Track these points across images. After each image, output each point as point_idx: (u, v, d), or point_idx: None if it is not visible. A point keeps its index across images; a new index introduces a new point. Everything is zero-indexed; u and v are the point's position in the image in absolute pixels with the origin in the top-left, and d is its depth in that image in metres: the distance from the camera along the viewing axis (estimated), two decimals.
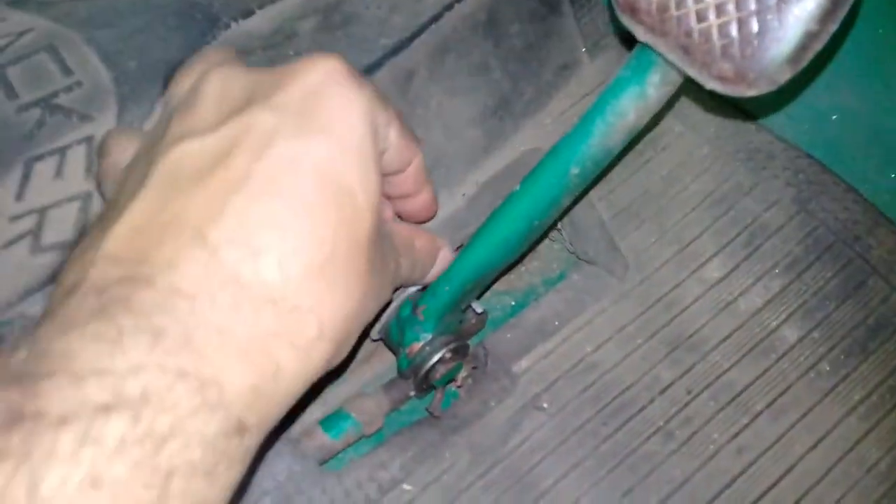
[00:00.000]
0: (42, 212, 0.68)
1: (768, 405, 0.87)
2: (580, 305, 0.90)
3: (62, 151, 0.70)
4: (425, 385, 0.80)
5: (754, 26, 0.47)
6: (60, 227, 0.68)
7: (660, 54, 0.53)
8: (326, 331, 0.43)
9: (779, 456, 0.85)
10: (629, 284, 0.91)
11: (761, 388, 0.88)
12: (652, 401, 0.86)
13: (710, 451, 0.84)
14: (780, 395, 0.88)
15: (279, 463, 0.75)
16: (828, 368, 0.90)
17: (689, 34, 0.50)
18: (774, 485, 0.84)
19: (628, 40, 1.01)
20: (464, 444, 0.82)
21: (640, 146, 0.97)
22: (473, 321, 0.88)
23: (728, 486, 0.83)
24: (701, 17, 0.49)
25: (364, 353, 0.88)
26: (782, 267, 0.94)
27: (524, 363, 0.87)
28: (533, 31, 0.95)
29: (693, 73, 0.51)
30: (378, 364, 0.88)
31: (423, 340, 0.77)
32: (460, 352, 0.79)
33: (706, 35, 0.49)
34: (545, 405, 0.85)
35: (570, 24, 0.98)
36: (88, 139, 0.71)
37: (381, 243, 0.51)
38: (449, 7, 0.89)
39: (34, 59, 0.74)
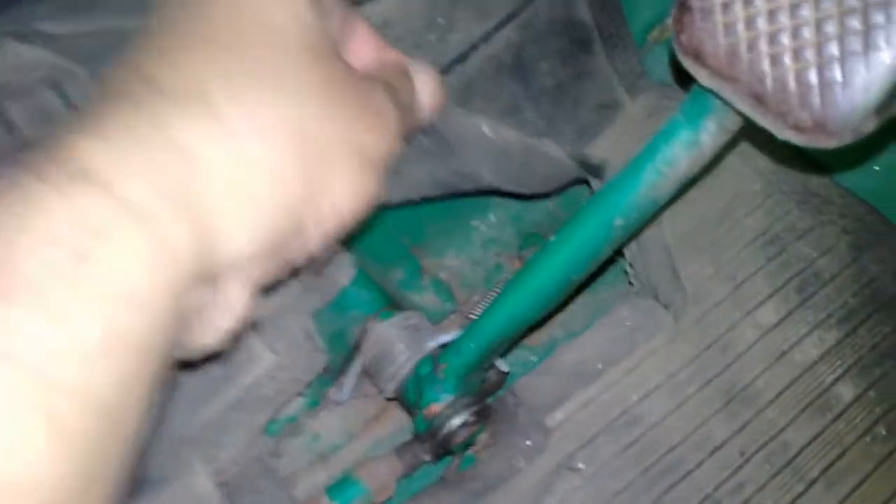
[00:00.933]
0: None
1: (823, 471, 0.78)
2: (629, 344, 0.79)
3: None
4: (443, 450, 0.68)
5: (837, 73, 0.41)
6: None
7: (719, 99, 0.46)
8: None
9: None
10: (685, 322, 0.80)
11: (816, 452, 0.79)
12: (701, 463, 0.76)
13: None
14: (836, 460, 0.79)
15: None
16: (884, 433, 0.81)
17: (761, 80, 0.43)
18: None
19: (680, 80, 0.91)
20: None
21: None
22: (494, 380, 0.76)
23: None
24: (776, 63, 0.43)
25: (374, 410, 0.76)
26: (837, 318, 0.85)
27: (559, 415, 0.75)
28: (563, 71, 0.85)
29: (765, 123, 0.44)
30: (389, 423, 0.77)
31: (443, 402, 0.67)
32: (483, 414, 0.68)
33: (781, 82, 0.43)
34: (581, 465, 0.74)
35: (602, 63, 0.88)
36: None
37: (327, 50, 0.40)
38: (475, 47, 0.79)
39: (38, 96, 0.64)
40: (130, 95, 0.32)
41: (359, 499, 0.67)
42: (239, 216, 0.33)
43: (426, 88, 0.49)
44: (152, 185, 0.30)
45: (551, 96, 0.85)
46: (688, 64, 0.46)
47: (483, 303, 0.84)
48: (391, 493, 0.70)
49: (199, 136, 0.32)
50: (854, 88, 0.41)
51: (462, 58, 0.79)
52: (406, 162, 0.73)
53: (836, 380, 0.82)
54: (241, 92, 0.33)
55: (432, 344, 0.69)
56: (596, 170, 0.80)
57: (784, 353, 0.82)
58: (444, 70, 0.77)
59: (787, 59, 0.42)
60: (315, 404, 0.78)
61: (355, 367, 0.73)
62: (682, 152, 0.51)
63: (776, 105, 0.43)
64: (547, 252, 0.61)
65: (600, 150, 0.86)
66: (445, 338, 0.71)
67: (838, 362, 0.83)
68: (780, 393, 0.80)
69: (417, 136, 0.73)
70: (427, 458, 0.71)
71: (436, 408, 0.66)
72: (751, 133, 0.48)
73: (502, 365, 0.71)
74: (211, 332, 0.35)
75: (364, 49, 0.49)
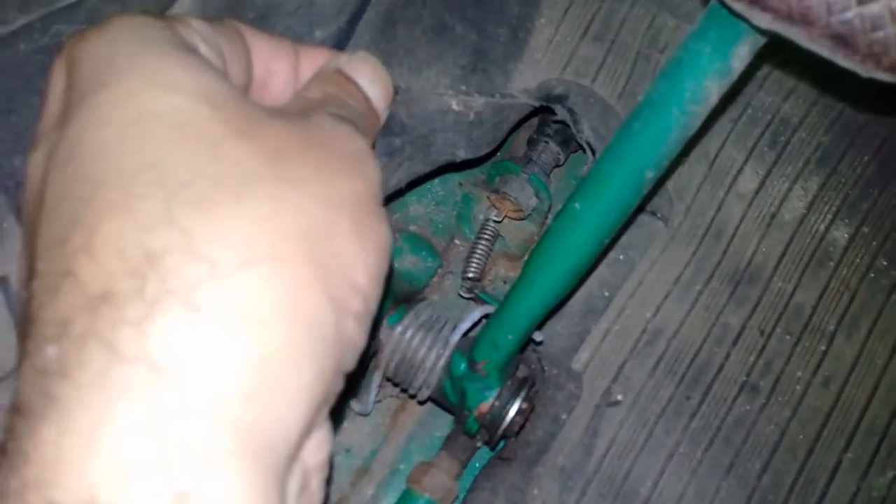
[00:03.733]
0: None
1: (839, 322, 0.79)
2: (628, 264, 0.77)
3: None
4: (500, 439, 0.66)
5: None
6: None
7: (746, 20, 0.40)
8: None
9: (863, 376, 0.78)
10: (675, 221, 0.78)
11: (828, 305, 0.80)
12: (728, 355, 0.76)
13: (799, 393, 0.77)
14: (848, 306, 0.80)
15: None
16: (885, 263, 0.82)
17: (846, 22, 0.37)
18: (867, 408, 0.78)
19: None
20: (548, 474, 0.70)
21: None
22: (532, 357, 0.74)
23: (824, 424, 0.76)
24: (864, 0, 0.37)
25: (392, 409, 0.73)
26: (815, 162, 0.83)
27: (583, 356, 0.74)
28: None
29: (849, 64, 0.39)
30: (416, 412, 0.74)
31: (492, 398, 0.63)
32: (531, 392, 0.65)
33: (875, 21, 0.37)
34: (619, 397, 0.74)
35: None
36: (1, 282, 0.49)
37: None
38: None
39: None
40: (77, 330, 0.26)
41: None
42: (276, 407, 0.27)
43: (373, 84, 0.42)
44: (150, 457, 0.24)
45: (473, 0, 0.77)
46: (742, 7, 0.40)
47: (475, 256, 0.80)
48: (457, 493, 0.68)
49: (182, 335, 0.26)
50: None
51: None
52: (387, 171, 0.66)
53: (829, 226, 0.82)
54: (195, 255, 0.27)
55: (456, 338, 0.66)
56: (560, 98, 0.75)
57: (773, 216, 0.81)
58: (359, 9, 0.69)
59: None
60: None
61: (377, 379, 0.69)
62: (713, 85, 0.45)
63: (867, 46, 0.38)
64: (573, 220, 0.55)
65: (542, 46, 0.78)
66: (465, 325, 0.68)
67: (826, 207, 0.82)
68: (780, 259, 0.80)
69: (391, 141, 0.66)
70: (479, 445, 0.69)
71: (486, 406, 0.64)
72: None
73: (537, 336, 0.68)
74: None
75: (286, 73, 0.42)
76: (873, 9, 0.37)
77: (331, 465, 0.35)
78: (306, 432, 0.29)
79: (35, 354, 0.26)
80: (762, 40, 0.43)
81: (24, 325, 0.28)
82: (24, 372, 0.26)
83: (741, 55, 0.44)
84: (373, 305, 0.32)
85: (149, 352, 0.25)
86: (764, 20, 0.39)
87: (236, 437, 0.25)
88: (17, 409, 0.26)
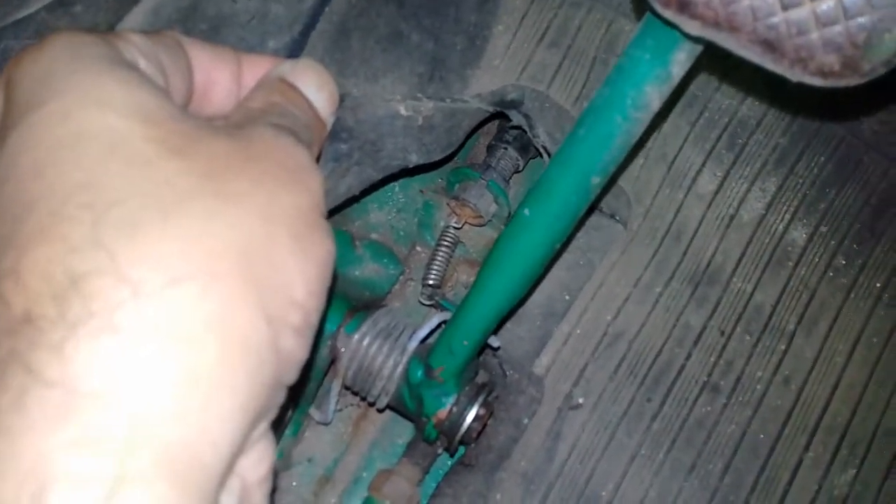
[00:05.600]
0: None
1: (799, 321, 0.80)
2: (587, 267, 0.77)
3: None
4: (459, 445, 0.66)
5: (866, 5, 0.35)
6: None
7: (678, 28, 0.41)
8: None
9: (823, 374, 0.79)
10: (634, 224, 0.78)
11: (788, 304, 0.80)
12: (689, 356, 0.77)
13: (759, 392, 0.77)
14: (807, 305, 0.81)
15: None
16: (843, 262, 0.83)
17: (772, 27, 0.38)
18: (827, 406, 0.78)
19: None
20: (510, 479, 0.70)
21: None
22: (489, 362, 0.74)
23: (785, 423, 0.77)
24: (788, 5, 0.37)
25: (353, 417, 0.73)
26: (772, 163, 0.84)
27: (545, 360, 0.74)
28: None
29: (777, 68, 0.40)
30: (377, 419, 0.74)
31: (449, 404, 0.63)
32: (489, 397, 0.65)
33: (799, 25, 0.38)
34: (581, 400, 0.74)
35: None
36: None
37: None
38: None
39: None
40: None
41: None
42: (205, 425, 0.27)
43: (318, 90, 0.42)
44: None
45: (429, 8, 0.77)
46: (671, 15, 0.40)
47: (435, 263, 0.80)
48: (418, 500, 0.68)
49: (109, 355, 0.25)
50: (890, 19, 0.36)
51: None
52: (334, 177, 0.66)
53: (787, 226, 0.83)
54: (125, 270, 0.27)
55: (413, 345, 0.66)
56: (515, 104, 0.75)
57: (732, 218, 0.82)
58: (312, 19, 0.69)
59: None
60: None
61: (335, 388, 0.69)
62: (653, 91, 0.46)
63: (794, 52, 0.38)
64: (523, 226, 0.56)
65: (499, 53, 0.78)
66: (423, 332, 0.68)
67: (784, 208, 0.83)
68: (740, 259, 0.81)
69: (337, 147, 0.66)
70: (439, 451, 0.69)
71: (444, 413, 0.64)
72: None
73: (494, 341, 0.68)
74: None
75: (228, 82, 0.42)
76: (798, 14, 0.38)
77: (275, 477, 0.34)
78: (240, 448, 0.29)
79: None
80: (698, 47, 0.44)
81: None
82: None
83: (680, 61, 0.45)
84: (314, 318, 0.32)
85: (68, 374, 0.25)
86: (693, 27, 0.40)
87: (156, 457, 0.25)
88: None
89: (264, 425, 0.32)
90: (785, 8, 0.37)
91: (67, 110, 0.29)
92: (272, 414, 0.32)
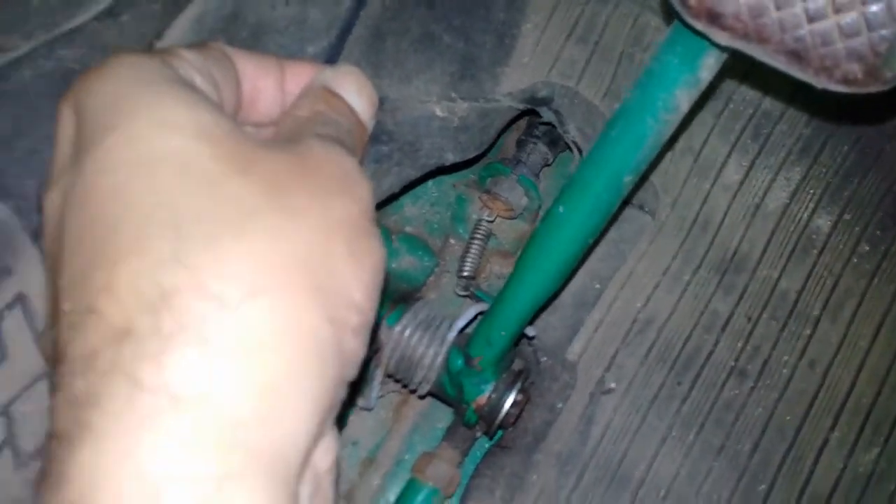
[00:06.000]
0: (6, 412, 0.50)
1: (824, 306, 0.82)
2: (618, 257, 0.80)
3: None
4: (497, 429, 0.69)
5: (887, 15, 0.38)
6: (37, 422, 0.51)
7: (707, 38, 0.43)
8: None
9: (848, 357, 0.81)
10: (662, 215, 0.81)
11: (813, 290, 0.82)
12: (717, 342, 0.79)
13: (786, 376, 0.80)
14: (832, 290, 0.83)
15: None
16: (868, 248, 0.85)
17: (798, 39, 0.41)
18: (852, 388, 0.81)
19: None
20: (545, 461, 0.73)
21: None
22: (526, 350, 0.77)
23: (810, 405, 0.79)
24: (814, 17, 0.40)
25: (394, 403, 0.76)
26: (797, 153, 0.86)
27: (577, 346, 0.77)
28: None
29: (804, 77, 0.42)
30: (411, 412, 0.77)
31: (488, 391, 0.67)
32: (525, 384, 0.69)
33: (824, 37, 0.40)
34: (613, 385, 0.77)
35: None
36: (20, 299, 0.52)
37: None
38: None
39: None
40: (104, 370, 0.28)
41: (433, 500, 0.69)
42: (285, 424, 0.30)
43: (358, 96, 0.44)
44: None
45: (459, 9, 0.80)
46: (702, 26, 0.43)
47: (469, 255, 0.83)
48: (459, 481, 0.72)
49: (190, 368, 0.28)
50: None
51: (361, 2, 0.73)
52: (376, 177, 0.69)
53: (812, 214, 0.85)
54: (202, 282, 0.29)
55: (452, 335, 0.69)
56: (545, 101, 0.78)
57: (758, 207, 0.84)
58: (348, 24, 0.72)
59: (830, 11, 0.40)
60: (345, 417, 0.78)
61: (378, 376, 0.73)
62: (682, 95, 0.48)
63: (819, 61, 0.41)
64: (557, 224, 0.58)
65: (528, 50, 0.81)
66: (461, 323, 0.71)
67: (809, 197, 0.85)
68: (766, 247, 0.83)
69: (378, 148, 0.69)
70: (478, 435, 0.72)
71: (483, 399, 0.67)
72: None
73: (530, 331, 0.71)
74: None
75: (273, 90, 0.45)
76: (824, 26, 0.40)
77: (339, 465, 0.38)
78: (315, 442, 0.32)
79: (66, 387, 0.29)
80: (726, 54, 0.46)
81: (54, 358, 0.31)
82: (57, 402, 0.29)
83: (708, 66, 0.47)
84: (370, 318, 0.35)
85: (167, 382, 0.28)
86: (722, 38, 0.43)
87: (249, 455, 0.28)
88: (54, 436, 0.29)
89: (331, 420, 0.35)
90: (811, 20, 0.40)
91: (139, 134, 0.32)
92: (337, 408, 0.35)
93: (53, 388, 0.30)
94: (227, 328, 0.29)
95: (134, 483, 0.27)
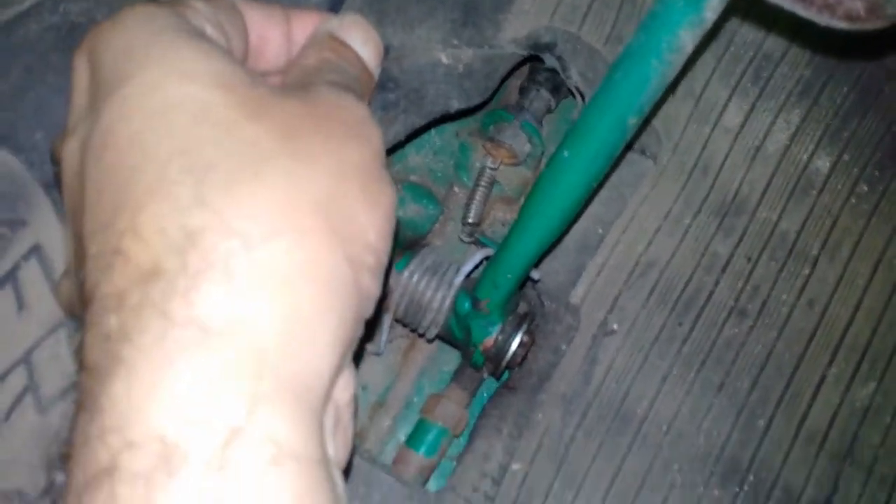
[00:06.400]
0: (27, 360, 0.52)
1: (822, 246, 0.84)
2: (619, 201, 0.81)
3: (12, 276, 0.52)
4: (504, 370, 0.71)
5: None
6: (56, 368, 0.53)
7: None
8: None
9: (845, 296, 0.83)
10: (663, 159, 0.82)
11: (811, 230, 0.84)
12: (717, 283, 0.81)
13: (784, 315, 0.81)
14: (830, 230, 0.85)
15: None
16: (866, 189, 0.86)
17: None
18: (849, 326, 0.83)
19: None
20: (551, 400, 0.76)
21: None
22: (530, 293, 0.79)
23: (809, 343, 0.81)
24: None
25: (403, 348, 0.78)
26: (797, 95, 0.86)
27: (580, 290, 0.79)
28: None
29: (808, 14, 0.43)
30: (419, 357, 0.79)
31: (495, 333, 0.69)
32: (531, 326, 0.70)
33: None
34: (615, 327, 0.79)
35: None
36: (35, 249, 0.53)
37: None
38: None
39: None
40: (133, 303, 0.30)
41: (442, 440, 0.72)
42: (309, 354, 0.32)
43: (364, 44, 0.46)
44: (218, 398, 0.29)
45: None
46: None
47: (474, 202, 0.85)
48: (467, 420, 0.74)
49: (219, 300, 0.30)
50: None
51: None
52: (383, 125, 0.70)
53: (811, 156, 0.86)
54: (224, 224, 0.30)
55: (459, 280, 0.71)
56: (548, 47, 0.78)
57: (758, 149, 0.85)
58: None
59: None
60: (359, 357, 0.80)
61: (387, 321, 0.75)
62: (687, 36, 0.48)
63: None
64: (562, 167, 0.59)
65: None
66: (467, 267, 0.72)
67: (808, 138, 0.86)
68: (765, 189, 0.84)
69: (385, 96, 0.70)
70: (485, 376, 0.75)
71: (490, 341, 0.69)
72: None
73: (535, 274, 0.73)
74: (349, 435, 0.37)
75: (280, 39, 0.46)
76: None
77: (357, 400, 0.40)
78: (336, 375, 0.34)
79: (97, 324, 0.30)
80: None
81: (81, 300, 0.33)
82: (88, 339, 0.30)
83: (713, 6, 0.47)
84: (384, 259, 0.36)
85: (197, 316, 0.29)
86: None
87: (277, 382, 0.30)
88: (86, 370, 0.30)
89: (350, 355, 0.37)
90: None
91: (154, 82, 0.33)
92: (355, 344, 0.37)
93: (84, 327, 0.31)
94: (252, 265, 0.30)
95: (166, 410, 0.28)
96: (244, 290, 0.30)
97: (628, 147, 0.81)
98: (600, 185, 0.63)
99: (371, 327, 0.78)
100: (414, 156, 0.94)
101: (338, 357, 0.33)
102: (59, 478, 0.53)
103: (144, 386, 0.29)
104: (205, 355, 0.29)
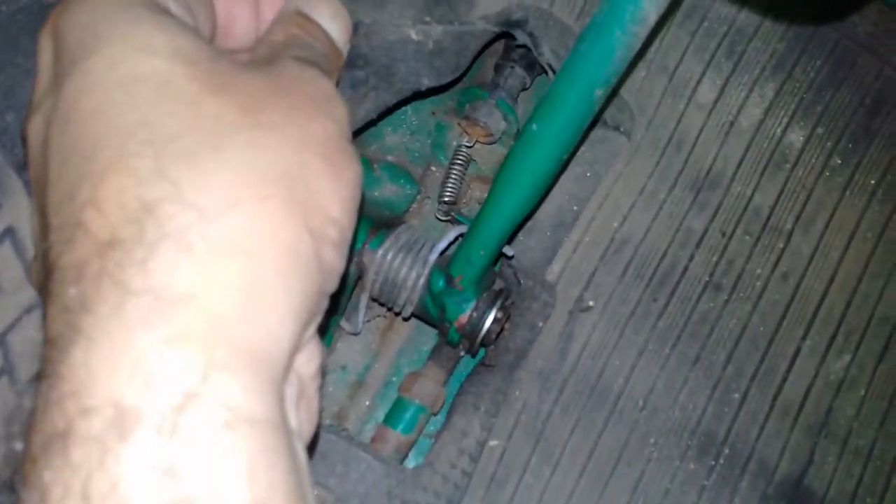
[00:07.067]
0: (2, 342, 0.52)
1: (796, 220, 0.84)
2: (594, 178, 0.81)
3: None
4: (480, 347, 0.72)
5: None
6: (32, 350, 0.53)
7: None
8: None
9: (820, 269, 0.84)
10: (637, 135, 0.82)
11: (785, 205, 0.84)
12: (692, 257, 0.81)
13: (759, 289, 0.82)
14: (805, 204, 0.85)
15: (368, 483, 0.67)
16: (839, 161, 0.86)
17: None
18: (823, 298, 0.83)
19: None
20: (527, 377, 0.76)
21: None
22: (505, 270, 0.79)
23: (783, 316, 0.82)
24: None
25: (381, 328, 0.78)
26: (770, 69, 0.86)
27: (556, 267, 0.79)
28: None
29: None
30: (403, 329, 0.79)
31: (469, 309, 0.69)
32: (506, 302, 0.71)
33: None
34: (591, 303, 0.79)
35: None
36: (8, 231, 0.53)
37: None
38: None
39: None
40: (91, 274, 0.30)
41: (420, 417, 0.72)
42: (266, 323, 0.32)
43: (332, 21, 0.45)
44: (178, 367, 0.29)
45: None
46: None
47: (450, 181, 0.85)
48: (444, 398, 0.74)
49: (179, 270, 0.30)
50: None
51: None
52: (352, 102, 0.70)
53: (785, 130, 0.86)
54: (182, 194, 0.30)
55: (433, 257, 0.71)
56: (520, 23, 0.78)
57: (732, 124, 0.85)
58: None
59: None
60: (329, 342, 0.80)
61: (363, 300, 0.75)
62: (650, 7, 0.48)
63: None
64: (532, 140, 0.59)
65: None
66: (442, 244, 0.73)
67: (782, 112, 0.86)
68: (739, 164, 0.85)
69: (354, 73, 0.70)
70: (462, 354, 0.75)
71: (465, 318, 0.69)
72: None
73: (508, 251, 0.73)
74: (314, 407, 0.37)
75: (248, 16, 0.46)
76: None
77: (323, 374, 0.40)
78: (296, 345, 0.34)
79: (58, 295, 0.30)
80: None
81: (44, 272, 0.33)
82: (50, 311, 0.31)
83: None
84: (348, 234, 0.37)
85: (153, 285, 0.29)
86: None
87: (233, 349, 0.30)
88: (48, 341, 0.30)
89: (313, 328, 0.37)
90: None
91: (117, 57, 0.33)
92: (319, 318, 0.37)
93: (46, 300, 0.32)
94: (209, 235, 0.30)
95: (121, 377, 0.29)
96: (201, 259, 0.30)
97: (596, 120, 0.81)
98: (569, 160, 0.63)
99: (344, 304, 0.78)
100: (391, 135, 0.94)
101: (298, 326, 0.33)
102: (19, 446, 0.53)
103: (102, 354, 0.29)
104: (160, 323, 0.29)
